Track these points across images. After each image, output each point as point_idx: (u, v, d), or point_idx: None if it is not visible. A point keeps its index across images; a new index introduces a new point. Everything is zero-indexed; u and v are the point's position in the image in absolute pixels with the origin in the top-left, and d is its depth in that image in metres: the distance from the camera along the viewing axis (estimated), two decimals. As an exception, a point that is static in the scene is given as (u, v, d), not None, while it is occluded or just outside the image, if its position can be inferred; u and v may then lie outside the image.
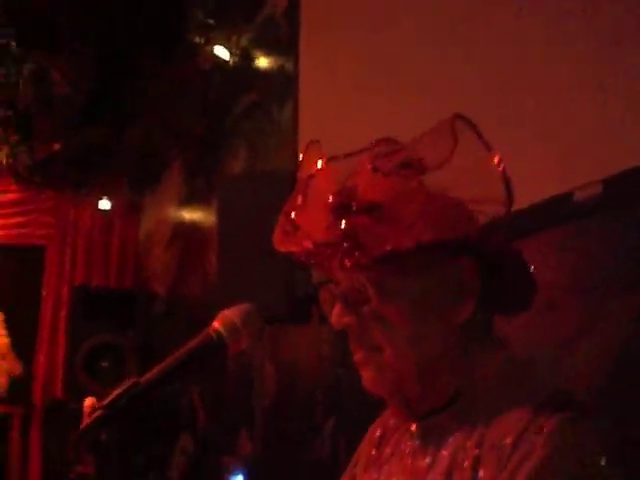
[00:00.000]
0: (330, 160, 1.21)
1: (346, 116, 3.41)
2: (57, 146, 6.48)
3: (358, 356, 1.18)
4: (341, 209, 1.12)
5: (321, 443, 3.17)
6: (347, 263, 1.12)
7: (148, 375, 1.18)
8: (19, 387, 5.98)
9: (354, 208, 1.10)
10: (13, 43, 6.10)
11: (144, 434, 6.21)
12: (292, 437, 3.58)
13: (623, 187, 1.81)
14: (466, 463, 1.03)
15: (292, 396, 3.72)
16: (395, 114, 2.90)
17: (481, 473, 1.00)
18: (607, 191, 1.83)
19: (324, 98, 3.73)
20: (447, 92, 2.60)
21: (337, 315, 1.18)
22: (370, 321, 1.15)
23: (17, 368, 6.03)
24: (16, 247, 6.90)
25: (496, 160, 1.12)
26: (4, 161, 6.52)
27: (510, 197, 1.10)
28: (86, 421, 1.17)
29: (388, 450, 1.25)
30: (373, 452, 1.29)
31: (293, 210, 1.22)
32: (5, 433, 5.29)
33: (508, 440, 0.99)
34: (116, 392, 1.16)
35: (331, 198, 1.14)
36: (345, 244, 1.11)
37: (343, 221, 1.09)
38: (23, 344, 6.31)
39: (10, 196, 6.84)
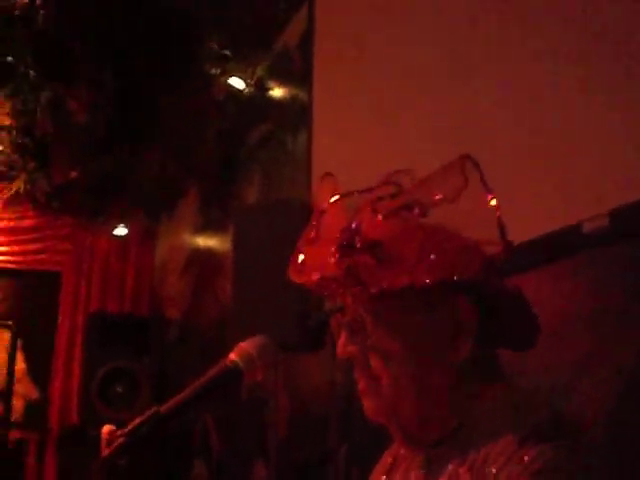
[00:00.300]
0: (342, 196, 1.25)
1: (359, 147, 3.45)
2: (74, 173, 6.54)
3: (361, 385, 1.24)
4: (346, 246, 1.17)
5: (334, 470, 3.19)
6: (348, 298, 1.19)
7: (168, 404, 1.23)
8: (35, 412, 6.01)
9: (357, 246, 1.15)
10: (31, 71, 6.19)
11: (159, 460, 6.23)
12: (306, 465, 3.59)
13: (629, 218, 1.86)
14: None
15: (305, 424, 3.74)
16: (408, 145, 2.94)
17: None
18: (613, 223, 1.87)
19: (337, 129, 3.77)
20: (460, 124, 2.64)
21: (342, 344, 1.24)
22: (370, 352, 1.20)
23: (33, 393, 6.06)
24: (33, 273, 6.96)
25: (494, 203, 1.16)
26: (22, 188, 6.59)
27: (505, 240, 1.14)
28: (107, 449, 1.21)
29: (397, 478, 1.29)
30: (384, 478, 1.33)
31: (305, 244, 1.27)
32: (21, 458, 5.31)
33: (493, 469, 1.03)
34: (137, 420, 1.21)
35: (338, 235, 1.19)
36: (347, 280, 1.17)
37: (347, 258, 1.14)
38: (39, 369, 6.35)
39: (27, 222, 6.91)
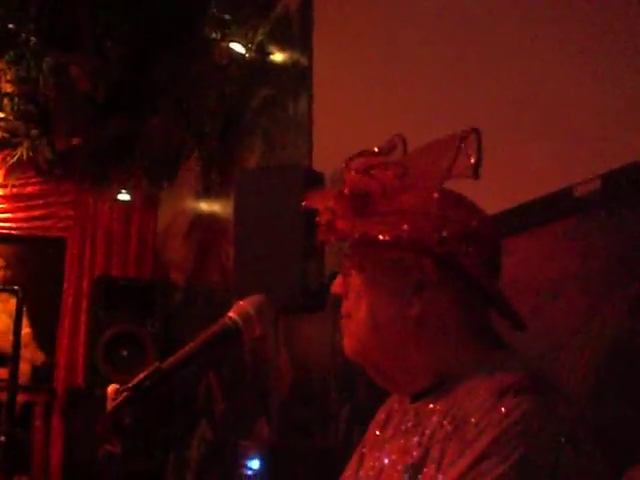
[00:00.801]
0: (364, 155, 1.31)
1: (359, 110, 3.48)
2: (77, 140, 6.56)
3: (342, 322, 1.34)
4: (337, 194, 1.27)
5: (336, 430, 3.25)
6: (327, 238, 1.30)
7: (170, 360, 1.28)
8: (41, 376, 6.08)
9: (343, 194, 1.25)
10: (33, 38, 6.19)
11: (165, 420, 6.34)
12: (308, 424, 3.66)
13: (620, 182, 1.89)
14: (440, 437, 1.13)
15: (307, 384, 3.80)
16: (407, 108, 2.96)
17: (449, 447, 1.10)
18: (605, 186, 1.91)
19: (338, 92, 3.80)
20: (456, 88, 2.67)
21: (336, 284, 1.35)
22: (350, 291, 1.30)
23: (39, 357, 6.13)
24: (37, 239, 7.02)
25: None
26: (25, 154, 6.61)
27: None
28: (112, 403, 1.26)
29: (390, 431, 1.35)
30: (378, 433, 1.39)
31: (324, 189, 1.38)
32: (28, 420, 5.39)
33: (472, 419, 1.08)
34: (140, 375, 1.26)
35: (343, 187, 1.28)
36: (327, 223, 1.27)
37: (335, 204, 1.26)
38: (45, 334, 6.43)
39: (31, 189, 6.95)
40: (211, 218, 5.80)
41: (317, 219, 1.30)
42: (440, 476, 1.07)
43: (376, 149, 1.28)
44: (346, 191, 1.25)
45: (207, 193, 5.95)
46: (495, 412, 1.06)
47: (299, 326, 3.89)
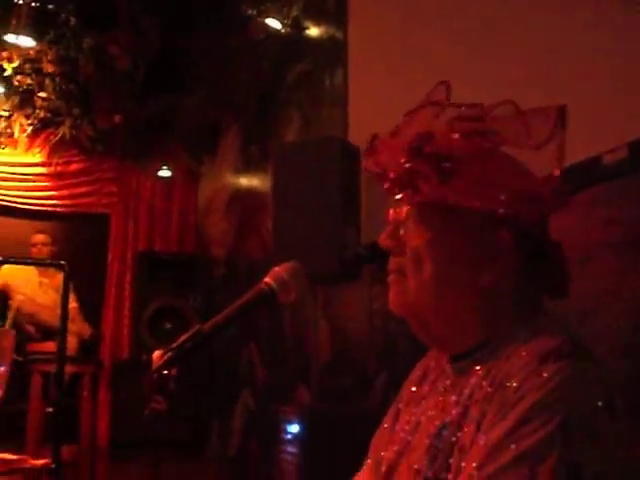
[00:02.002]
0: (430, 103, 1.29)
1: (394, 82, 3.50)
2: (118, 118, 6.65)
3: (390, 277, 1.32)
4: (413, 150, 1.22)
5: (373, 395, 3.32)
6: (399, 197, 1.28)
7: (210, 322, 1.35)
8: (88, 349, 6.22)
9: (424, 152, 1.20)
10: (72, 18, 6.28)
11: (209, 390, 6.47)
12: (346, 390, 3.73)
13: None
14: (479, 398, 1.16)
15: (345, 352, 3.87)
16: (442, 79, 2.99)
17: (489, 408, 1.12)
18: (632, 154, 1.93)
19: (372, 65, 3.82)
20: (489, 58, 2.69)
21: (384, 236, 1.32)
22: (407, 252, 1.27)
23: (86, 331, 6.26)
24: (82, 215, 7.14)
25: (557, 173, 1.21)
26: (67, 133, 6.72)
27: (556, 201, 1.22)
28: (157, 363, 1.34)
29: (426, 388, 1.37)
30: (414, 389, 1.42)
31: (386, 134, 1.33)
32: (76, 391, 5.52)
33: (514, 382, 1.10)
34: (183, 337, 1.34)
35: (411, 138, 1.24)
36: (405, 181, 1.24)
37: (412, 162, 1.22)
38: (91, 308, 6.56)
39: (74, 167, 7.04)
40: (250, 192, 5.87)
41: (387, 176, 1.27)
42: (482, 437, 1.09)
43: (476, 112, 1.23)
44: (429, 150, 1.20)
45: (246, 167, 6.02)
46: (536, 377, 1.08)
47: (337, 295, 3.95)
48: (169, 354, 1.33)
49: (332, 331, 4.01)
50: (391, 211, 1.34)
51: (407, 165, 1.22)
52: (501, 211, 1.20)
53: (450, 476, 1.12)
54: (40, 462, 1.89)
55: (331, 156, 3.32)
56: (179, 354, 1.33)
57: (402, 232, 1.30)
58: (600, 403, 1.06)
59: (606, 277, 2.08)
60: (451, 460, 1.14)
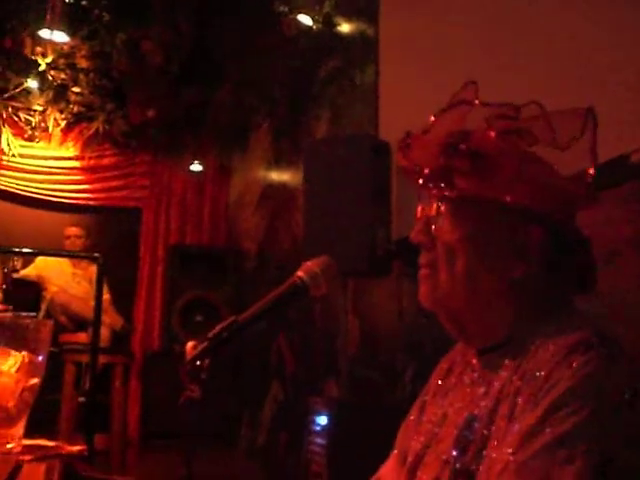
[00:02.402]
0: (463, 102, 1.34)
1: (425, 79, 3.51)
2: (151, 112, 6.72)
3: (422, 271, 1.36)
4: (449, 147, 1.27)
5: (402, 388, 3.35)
6: (435, 192, 1.32)
7: (245, 314, 1.40)
8: (120, 340, 6.29)
9: (460, 149, 1.25)
10: (105, 14, 6.35)
11: (239, 382, 6.52)
12: (374, 383, 3.76)
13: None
14: (510, 392, 1.18)
15: (374, 345, 3.90)
16: (472, 77, 3.00)
17: (519, 400, 1.15)
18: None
19: (404, 62, 3.83)
20: (519, 57, 2.70)
21: (416, 232, 1.36)
22: (439, 246, 1.32)
23: (118, 322, 6.33)
24: (114, 209, 7.23)
25: (591, 172, 1.26)
26: (100, 128, 6.80)
27: (589, 193, 1.26)
28: (192, 352, 1.39)
29: (453, 380, 1.41)
30: (440, 382, 1.45)
31: (419, 131, 1.37)
32: (108, 382, 5.60)
33: (543, 373, 1.13)
34: (218, 327, 1.39)
35: (446, 135, 1.29)
36: (439, 177, 1.29)
37: (447, 157, 1.26)
38: (123, 300, 6.64)
39: (107, 161, 7.13)
40: (282, 187, 5.90)
41: (422, 172, 1.31)
42: (516, 425, 1.12)
43: (511, 112, 1.27)
44: (465, 147, 1.24)
45: (277, 163, 6.05)
46: (566, 366, 1.11)
47: (367, 290, 3.99)
48: (205, 344, 1.37)
49: (361, 325, 4.05)
50: (420, 208, 1.38)
51: (443, 161, 1.27)
52: (535, 207, 1.24)
53: (482, 468, 1.14)
54: (76, 448, 1.93)
55: (362, 152, 3.35)
56: (214, 344, 1.37)
57: (433, 228, 1.33)
58: (627, 395, 1.09)
59: (632, 275, 2.10)
60: (484, 452, 1.16)
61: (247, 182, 6.89)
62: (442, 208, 1.32)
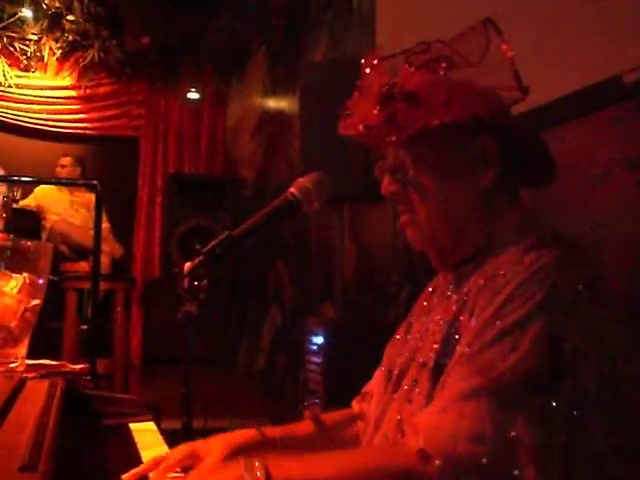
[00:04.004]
0: (381, 59, 1.42)
1: (421, 4, 3.48)
2: (146, 40, 6.67)
3: (403, 218, 1.41)
4: (385, 98, 1.34)
5: (396, 309, 3.40)
6: (389, 140, 1.36)
7: (239, 229, 1.44)
8: (120, 267, 6.35)
9: (395, 97, 1.32)
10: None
11: (237, 307, 6.62)
12: (369, 305, 3.82)
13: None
14: (474, 292, 1.26)
15: (370, 269, 3.95)
16: (469, 5, 2.98)
17: (480, 297, 1.22)
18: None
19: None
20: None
21: (385, 185, 1.42)
22: (409, 188, 1.37)
23: (117, 251, 6.37)
24: (112, 138, 7.22)
25: (504, 48, 1.30)
26: (96, 56, 6.76)
27: (519, 84, 1.29)
28: (189, 267, 1.44)
29: (435, 300, 1.47)
30: (425, 303, 1.52)
31: (351, 101, 1.45)
32: (109, 308, 5.66)
33: (501, 272, 1.21)
34: (213, 242, 1.43)
35: (378, 90, 1.36)
36: (388, 126, 1.34)
37: (386, 107, 1.33)
38: (122, 229, 6.68)
39: (103, 89, 7.11)
40: (279, 114, 5.89)
41: (371, 129, 1.36)
42: (473, 320, 1.19)
43: (422, 47, 1.34)
44: (397, 92, 1.32)
45: (274, 89, 6.03)
46: (520, 263, 1.18)
47: (362, 215, 4.02)
48: (200, 258, 1.42)
49: (357, 250, 4.09)
50: (378, 165, 1.44)
51: (383, 112, 1.34)
52: (478, 115, 1.29)
53: (449, 361, 1.20)
54: (78, 367, 1.99)
55: (358, 76, 3.34)
56: (210, 257, 1.41)
57: (398, 176, 1.39)
58: (581, 286, 1.14)
59: (624, 196, 2.13)
60: (450, 347, 1.23)
61: (244, 109, 6.88)
62: (399, 153, 1.38)
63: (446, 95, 1.30)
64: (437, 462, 1.01)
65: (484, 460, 1.01)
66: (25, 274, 1.92)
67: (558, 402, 1.05)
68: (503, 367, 1.07)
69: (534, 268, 1.16)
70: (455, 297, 1.34)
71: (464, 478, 1.00)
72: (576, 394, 1.07)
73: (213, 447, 1.38)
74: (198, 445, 1.39)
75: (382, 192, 1.43)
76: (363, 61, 1.43)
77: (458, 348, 1.19)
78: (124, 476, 1.31)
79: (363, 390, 1.64)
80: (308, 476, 1.07)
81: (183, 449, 1.38)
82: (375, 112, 1.35)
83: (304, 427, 1.56)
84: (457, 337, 1.22)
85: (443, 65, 1.32)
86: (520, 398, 1.05)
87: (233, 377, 6.39)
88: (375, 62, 1.41)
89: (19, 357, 1.87)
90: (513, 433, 1.02)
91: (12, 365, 1.84)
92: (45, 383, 1.63)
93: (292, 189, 1.48)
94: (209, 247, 1.43)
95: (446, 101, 1.29)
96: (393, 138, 1.35)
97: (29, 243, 1.99)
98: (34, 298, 1.94)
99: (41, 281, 1.96)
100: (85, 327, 5.32)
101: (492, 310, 1.15)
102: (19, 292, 1.91)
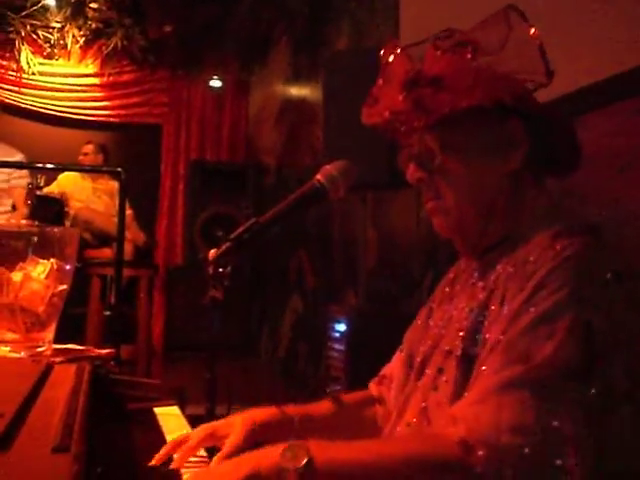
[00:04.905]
0: (404, 47, 1.42)
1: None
2: (169, 27, 6.68)
3: (429, 205, 1.41)
4: (410, 84, 1.35)
5: (419, 296, 3.40)
6: (416, 126, 1.37)
7: (265, 216, 1.45)
8: (144, 254, 6.37)
9: (420, 82, 1.33)
10: None
11: (259, 295, 6.64)
12: (393, 293, 3.83)
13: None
14: (503, 279, 1.26)
15: (393, 256, 3.95)
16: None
17: (510, 284, 1.22)
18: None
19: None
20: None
21: (411, 172, 1.41)
22: (436, 174, 1.37)
23: (140, 238, 6.40)
24: (134, 126, 7.25)
25: (533, 32, 1.30)
26: (119, 44, 6.77)
27: (548, 68, 1.29)
28: (215, 253, 1.45)
29: (458, 287, 1.48)
30: (447, 290, 1.52)
31: (375, 90, 1.46)
32: (132, 295, 5.69)
33: (531, 258, 1.20)
34: (240, 229, 1.44)
35: (403, 76, 1.37)
36: (414, 110, 1.35)
37: (412, 92, 1.34)
38: (145, 216, 6.69)
39: (126, 77, 7.13)
40: (301, 101, 5.89)
41: (396, 116, 1.38)
42: (505, 307, 1.18)
43: (446, 32, 1.35)
44: (421, 77, 1.33)
45: (297, 77, 6.03)
46: (550, 250, 1.18)
47: (385, 202, 4.02)
48: (227, 244, 1.43)
49: (379, 237, 4.09)
50: (402, 153, 1.46)
51: (409, 98, 1.35)
52: (504, 99, 1.29)
53: (479, 350, 1.21)
54: (105, 351, 2.01)
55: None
56: (236, 244, 1.42)
57: (426, 162, 1.39)
58: (609, 275, 1.15)
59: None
60: (480, 335, 1.22)
61: (266, 97, 6.88)
62: (426, 138, 1.38)
63: (472, 79, 1.31)
64: (480, 452, 1.01)
65: (527, 450, 1.01)
66: (52, 260, 1.94)
67: (593, 391, 1.05)
68: (541, 356, 1.07)
69: (565, 255, 1.16)
70: (481, 284, 1.33)
71: (507, 468, 1.00)
72: (608, 383, 1.07)
73: (233, 426, 1.40)
74: (218, 425, 1.41)
75: (408, 180, 1.43)
76: (383, 51, 1.43)
77: (488, 336, 1.19)
78: (153, 462, 1.33)
79: (381, 373, 1.66)
80: (350, 461, 1.06)
81: (204, 429, 1.40)
82: (401, 98, 1.36)
83: (323, 406, 1.58)
84: (487, 325, 1.22)
85: (469, 49, 1.32)
86: (559, 387, 1.06)
87: (255, 364, 6.42)
88: (398, 50, 1.42)
89: (46, 341, 1.89)
90: (555, 423, 1.02)
91: (39, 349, 1.87)
92: (72, 367, 1.64)
93: (318, 176, 1.49)
94: (236, 233, 1.43)
95: (472, 85, 1.30)
96: (420, 123, 1.36)
97: (56, 229, 2.02)
98: (61, 283, 1.97)
99: (68, 267, 1.98)
100: (109, 313, 5.36)
101: (524, 296, 1.15)
102: (46, 277, 1.93)
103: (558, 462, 1.01)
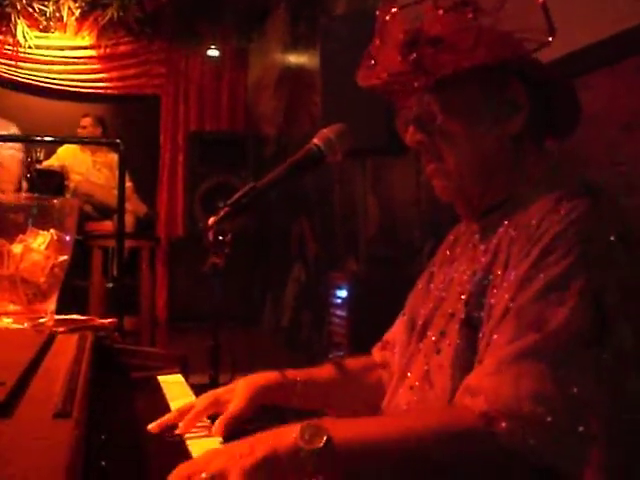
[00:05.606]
0: (401, 7, 1.39)
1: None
2: (164, -2, 6.64)
3: (429, 168, 1.39)
4: (410, 44, 1.31)
5: (419, 263, 3.40)
6: (417, 85, 1.34)
7: (262, 180, 1.44)
8: (145, 226, 6.38)
9: (420, 42, 1.30)
10: None
11: (262, 265, 6.65)
12: (393, 260, 3.82)
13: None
14: (506, 243, 1.24)
15: (393, 223, 3.95)
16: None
17: (514, 249, 1.20)
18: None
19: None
20: None
21: (411, 134, 1.38)
22: (437, 136, 1.34)
23: (141, 209, 6.39)
24: (133, 97, 7.22)
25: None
26: (115, 15, 6.73)
27: (551, 25, 1.27)
28: (214, 219, 1.45)
29: (459, 250, 1.46)
30: (447, 253, 1.51)
31: (371, 50, 1.42)
32: (134, 267, 5.71)
33: (534, 221, 1.18)
34: (238, 194, 1.44)
35: (402, 36, 1.34)
36: (414, 71, 1.31)
37: (412, 53, 1.30)
38: (146, 188, 6.68)
39: (123, 48, 7.10)
40: (300, 69, 5.85)
41: (395, 75, 1.35)
42: (512, 272, 1.16)
43: None
44: (422, 37, 1.29)
45: (295, 44, 5.98)
46: (555, 213, 1.16)
47: (385, 169, 4.01)
48: (226, 209, 1.42)
49: (380, 204, 4.08)
50: (400, 116, 1.42)
51: (409, 59, 1.31)
52: (506, 59, 1.27)
53: (483, 314, 1.20)
54: (107, 321, 2.01)
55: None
56: (235, 208, 1.42)
57: (425, 124, 1.36)
58: (613, 237, 1.13)
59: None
60: (484, 300, 1.22)
61: (265, 66, 6.84)
62: (426, 99, 1.35)
63: (474, 39, 1.28)
64: (503, 424, 1.01)
65: (549, 419, 1.00)
66: (52, 230, 1.94)
67: (607, 356, 1.05)
68: (554, 323, 1.06)
69: (570, 218, 1.15)
70: (482, 247, 1.32)
71: (530, 438, 1.00)
72: (620, 346, 1.06)
73: (236, 391, 1.40)
74: (220, 392, 1.41)
75: (407, 142, 1.40)
76: (379, 11, 1.41)
77: (493, 301, 1.18)
78: (150, 426, 1.33)
79: (384, 338, 1.64)
80: (369, 439, 1.05)
81: (207, 397, 1.40)
82: (400, 59, 1.33)
83: (325, 371, 1.57)
84: (492, 290, 1.21)
85: (470, 9, 1.30)
86: (575, 353, 1.05)
87: (259, 333, 6.44)
88: (395, 10, 1.39)
89: (48, 312, 1.89)
90: (574, 389, 1.02)
91: (41, 320, 1.87)
92: (75, 337, 1.65)
93: (315, 140, 1.48)
94: (234, 198, 1.43)
95: (475, 45, 1.27)
96: (420, 84, 1.33)
97: (55, 201, 2.01)
98: (61, 254, 1.96)
99: (68, 237, 1.98)
100: (111, 285, 5.36)
101: (531, 261, 1.14)
102: (47, 248, 1.93)
103: (580, 429, 1.01)
